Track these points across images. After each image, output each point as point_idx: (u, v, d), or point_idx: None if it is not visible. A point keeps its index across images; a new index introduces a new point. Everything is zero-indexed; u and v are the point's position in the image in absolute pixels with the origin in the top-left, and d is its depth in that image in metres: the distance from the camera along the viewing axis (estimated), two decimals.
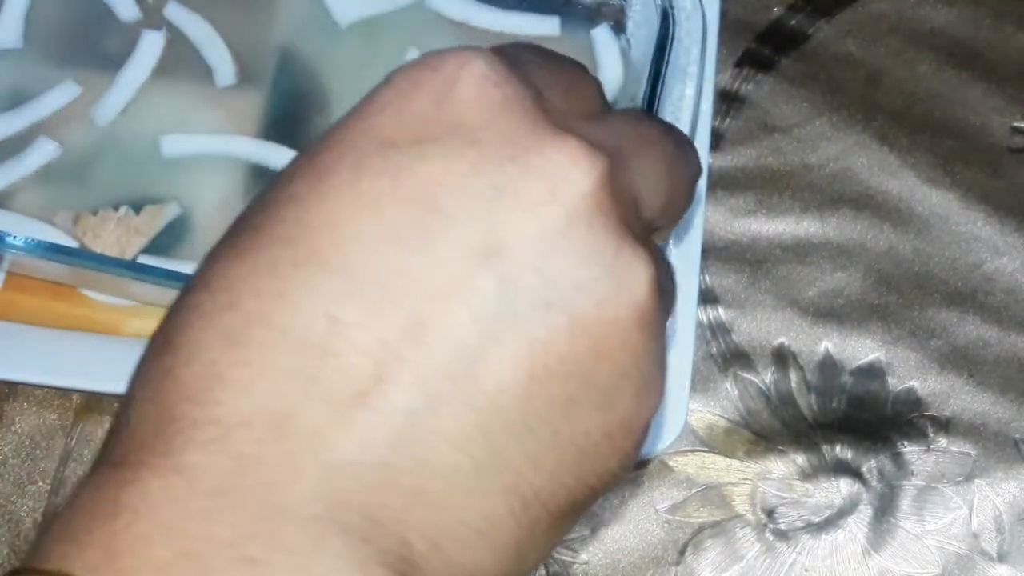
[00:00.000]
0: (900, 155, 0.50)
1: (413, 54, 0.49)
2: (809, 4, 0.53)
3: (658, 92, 0.42)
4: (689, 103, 0.42)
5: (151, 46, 0.48)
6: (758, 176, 0.50)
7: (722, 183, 0.50)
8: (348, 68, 0.49)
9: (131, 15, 0.49)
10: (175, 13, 0.49)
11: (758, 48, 0.52)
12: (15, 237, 0.42)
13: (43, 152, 0.47)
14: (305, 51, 0.49)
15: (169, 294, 0.44)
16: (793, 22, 0.53)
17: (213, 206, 0.47)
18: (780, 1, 0.53)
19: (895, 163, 0.50)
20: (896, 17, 0.52)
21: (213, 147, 0.47)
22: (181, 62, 0.48)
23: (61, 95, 0.48)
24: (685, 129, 0.42)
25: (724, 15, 0.50)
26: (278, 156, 0.47)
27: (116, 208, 0.46)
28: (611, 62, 0.49)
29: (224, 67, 0.48)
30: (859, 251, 0.49)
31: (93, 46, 0.49)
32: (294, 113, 0.48)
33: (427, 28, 0.49)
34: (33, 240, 0.43)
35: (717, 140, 0.50)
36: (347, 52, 0.49)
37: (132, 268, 0.44)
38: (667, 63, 0.42)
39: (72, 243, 0.45)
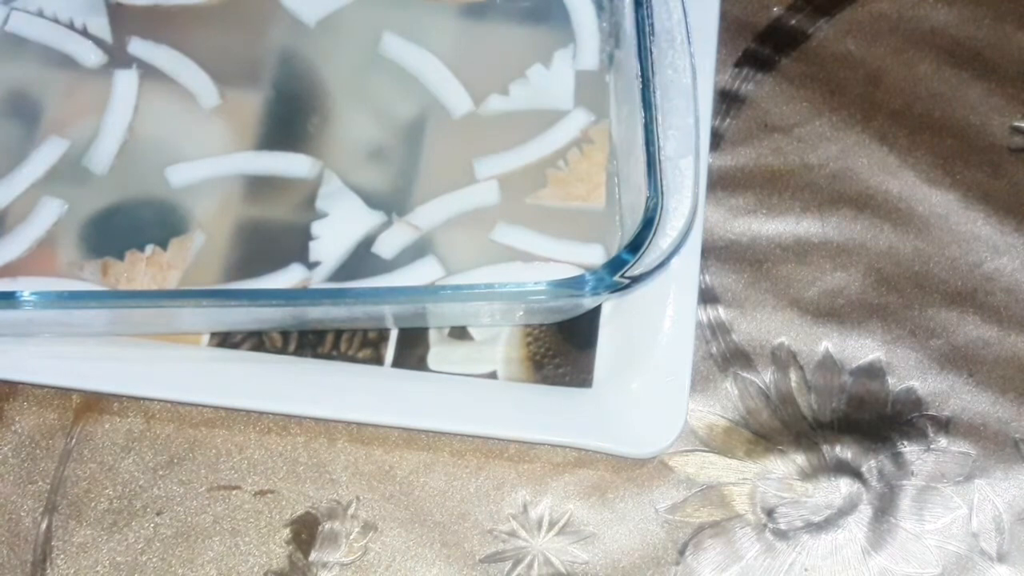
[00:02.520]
0: (900, 155, 0.50)
1: (389, 38, 0.49)
2: (809, 4, 0.53)
3: (647, 42, 0.42)
4: (687, 70, 0.42)
5: (126, 85, 0.48)
6: (758, 176, 0.50)
7: (722, 183, 0.50)
8: (332, 62, 0.49)
9: (95, 60, 0.49)
10: (140, 48, 0.49)
11: (758, 48, 0.52)
12: (58, 293, 0.42)
13: (49, 211, 0.46)
14: (285, 56, 0.49)
15: (219, 315, 0.44)
16: (793, 22, 0.53)
17: (232, 221, 0.47)
18: (780, 1, 0.53)
19: (895, 163, 0.50)
20: (896, 17, 0.53)
21: (219, 168, 0.47)
22: (166, 93, 0.48)
23: (50, 152, 0.47)
24: (688, 93, 0.42)
25: (724, 15, 0.50)
26: (281, 162, 0.47)
27: (142, 248, 0.46)
28: (585, 19, 0.49)
29: (205, 91, 0.48)
30: (859, 251, 0.49)
31: (67, 99, 0.49)
32: (290, 115, 0.48)
33: (395, 6, 0.50)
34: (68, 292, 0.43)
35: (717, 140, 0.51)
36: (325, 48, 0.49)
37: (180, 296, 0.44)
38: (647, 15, 0.43)
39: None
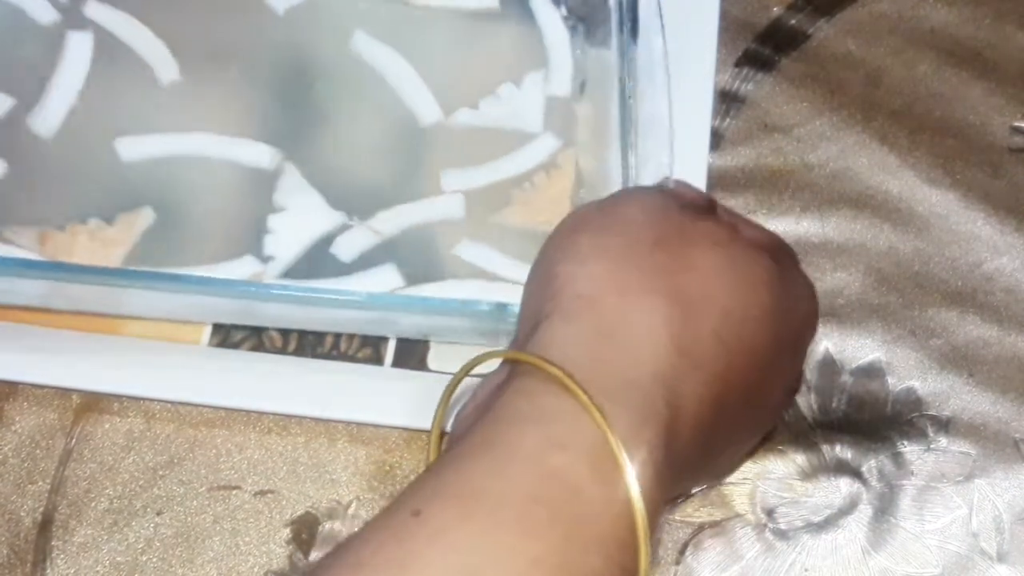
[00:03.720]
0: (900, 155, 0.50)
1: (360, 36, 0.48)
2: (809, 4, 0.53)
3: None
4: (665, 106, 0.42)
5: (79, 47, 0.47)
6: (758, 176, 0.50)
7: (722, 183, 0.50)
8: (301, 54, 0.48)
9: (48, 18, 0.47)
10: (97, 12, 0.48)
11: (758, 48, 0.52)
12: None
13: None
14: (252, 42, 0.48)
15: (163, 301, 0.43)
16: (793, 22, 0.53)
17: (185, 203, 0.46)
18: (780, 1, 0.53)
19: (895, 163, 0.50)
20: (896, 17, 0.53)
21: (173, 147, 0.46)
22: (122, 62, 0.47)
23: None
24: (665, 129, 0.42)
25: (724, 15, 0.50)
26: (240, 149, 0.46)
27: (84, 221, 0.45)
28: (558, 45, 0.49)
29: (164, 64, 0.47)
30: (859, 251, 0.49)
31: (15, 54, 0.47)
32: (254, 103, 0.47)
33: (371, 2, 0.49)
34: (9, 258, 0.41)
35: (717, 140, 0.51)
36: (291, 38, 0.48)
37: (118, 275, 0.42)
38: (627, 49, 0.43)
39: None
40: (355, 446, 0.46)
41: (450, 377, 0.33)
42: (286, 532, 0.45)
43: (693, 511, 0.45)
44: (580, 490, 0.28)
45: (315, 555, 0.45)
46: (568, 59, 0.49)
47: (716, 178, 0.50)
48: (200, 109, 0.47)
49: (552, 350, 0.31)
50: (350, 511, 0.45)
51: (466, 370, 0.33)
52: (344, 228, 0.45)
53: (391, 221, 0.46)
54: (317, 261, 0.45)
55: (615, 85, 0.43)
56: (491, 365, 0.33)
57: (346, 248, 0.45)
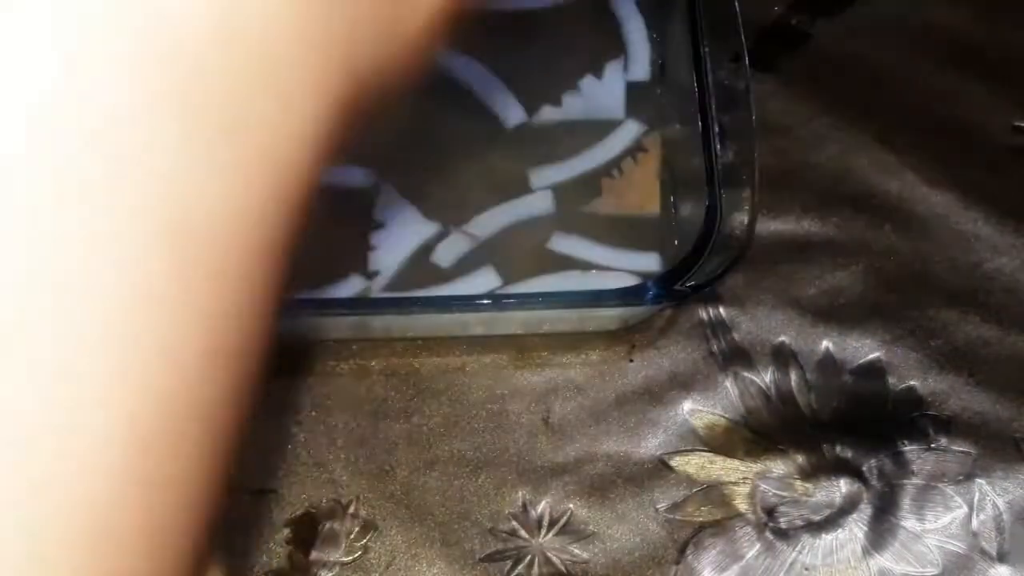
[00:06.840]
0: (900, 155, 0.50)
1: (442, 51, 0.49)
2: (810, 4, 0.53)
3: None
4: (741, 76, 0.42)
5: None
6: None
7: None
8: None
9: None
10: None
11: (758, 48, 0.52)
12: None
13: None
14: None
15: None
16: (794, 21, 0.53)
17: None
18: (781, 1, 0.53)
19: (895, 163, 0.50)
20: (897, 17, 0.53)
21: None
22: None
23: None
24: (742, 98, 0.43)
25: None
26: (336, 174, 0.48)
27: None
28: (636, 30, 0.50)
29: None
30: (859, 251, 0.49)
31: None
32: None
33: None
34: None
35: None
36: None
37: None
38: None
39: None
40: (355, 446, 0.46)
41: None
42: (286, 532, 0.45)
43: (694, 510, 0.45)
44: None
45: (315, 555, 0.45)
46: (645, 42, 0.50)
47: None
48: None
49: None
50: (350, 511, 0.45)
51: None
52: (441, 236, 0.47)
53: (485, 224, 0.47)
54: (419, 270, 0.46)
55: (690, 62, 0.44)
56: None
57: (445, 255, 0.46)
